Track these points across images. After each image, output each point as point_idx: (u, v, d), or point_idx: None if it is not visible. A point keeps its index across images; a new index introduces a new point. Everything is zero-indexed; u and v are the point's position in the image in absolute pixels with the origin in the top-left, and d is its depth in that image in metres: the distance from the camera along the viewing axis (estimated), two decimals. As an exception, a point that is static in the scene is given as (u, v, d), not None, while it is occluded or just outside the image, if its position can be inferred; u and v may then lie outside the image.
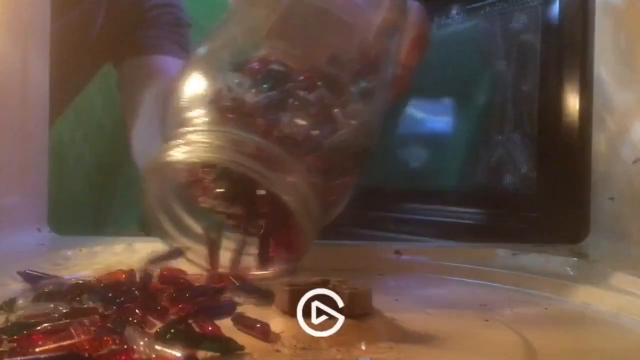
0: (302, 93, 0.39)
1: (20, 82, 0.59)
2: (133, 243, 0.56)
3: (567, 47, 0.64)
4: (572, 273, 0.49)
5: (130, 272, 0.42)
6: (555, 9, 0.66)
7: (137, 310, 0.33)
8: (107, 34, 0.87)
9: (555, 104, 0.65)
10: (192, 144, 0.37)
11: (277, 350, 0.29)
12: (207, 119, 0.39)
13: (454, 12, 0.80)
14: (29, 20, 0.61)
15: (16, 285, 0.42)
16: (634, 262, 0.48)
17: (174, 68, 0.87)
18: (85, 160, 1.11)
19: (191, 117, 0.39)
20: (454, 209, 0.78)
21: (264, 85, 0.39)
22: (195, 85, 0.41)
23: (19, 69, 0.59)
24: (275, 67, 0.40)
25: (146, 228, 0.40)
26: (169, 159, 0.37)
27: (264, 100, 0.39)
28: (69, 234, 0.62)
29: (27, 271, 0.43)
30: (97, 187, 1.15)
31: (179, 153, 0.37)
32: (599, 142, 0.57)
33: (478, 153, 0.78)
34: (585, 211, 0.58)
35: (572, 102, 0.63)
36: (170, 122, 0.41)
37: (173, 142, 0.38)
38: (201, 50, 0.45)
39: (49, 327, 0.30)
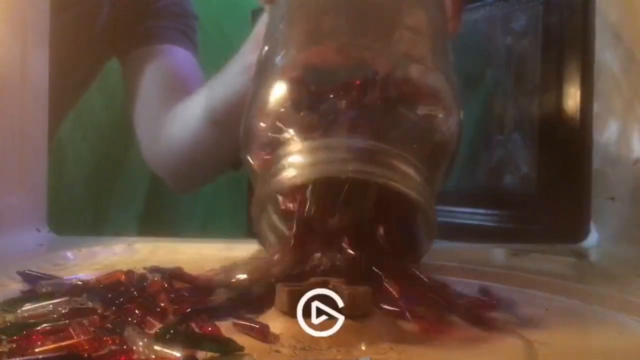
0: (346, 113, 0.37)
1: (20, 81, 0.59)
2: (133, 243, 0.56)
3: (568, 48, 0.64)
4: (572, 273, 0.49)
5: (129, 273, 0.42)
6: (556, 8, 0.66)
7: (136, 311, 0.33)
8: (111, 27, 0.86)
9: (555, 104, 0.65)
10: (300, 165, 0.35)
11: (277, 351, 0.29)
12: (294, 135, 0.37)
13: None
14: (28, 18, 0.61)
15: (16, 285, 0.42)
16: (634, 263, 0.48)
17: (181, 57, 0.87)
18: (84, 160, 1.11)
19: (282, 135, 0.37)
20: (454, 209, 0.78)
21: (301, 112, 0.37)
22: (276, 98, 0.39)
23: (18, 68, 0.59)
24: (303, 85, 0.38)
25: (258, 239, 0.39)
26: (287, 183, 0.35)
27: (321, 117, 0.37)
28: (68, 234, 0.63)
29: (26, 271, 0.43)
30: (96, 187, 1.15)
31: (293, 176, 0.35)
32: (600, 143, 0.57)
33: (478, 153, 0.78)
34: (585, 211, 0.58)
35: (573, 102, 0.63)
36: (255, 140, 0.39)
37: (280, 167, 0.36)
38: (278, 61, 0.41)
39: (49, 328, 0.30)
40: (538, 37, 0.68)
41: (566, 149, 0.64)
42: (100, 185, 1.15)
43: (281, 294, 0.33)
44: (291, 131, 0.37)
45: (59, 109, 0.85)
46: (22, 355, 0.26)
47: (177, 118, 0.79)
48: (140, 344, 0.27)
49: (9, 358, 0.26)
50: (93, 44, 0.86)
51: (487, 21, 0.76)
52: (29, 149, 0.61)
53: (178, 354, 0.26)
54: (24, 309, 0.34)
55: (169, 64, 0.86)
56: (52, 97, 0.65)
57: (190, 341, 0.28)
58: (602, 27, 0.57)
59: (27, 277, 0.43)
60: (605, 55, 0.57)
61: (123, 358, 0.26)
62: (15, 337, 0.28)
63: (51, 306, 0.34)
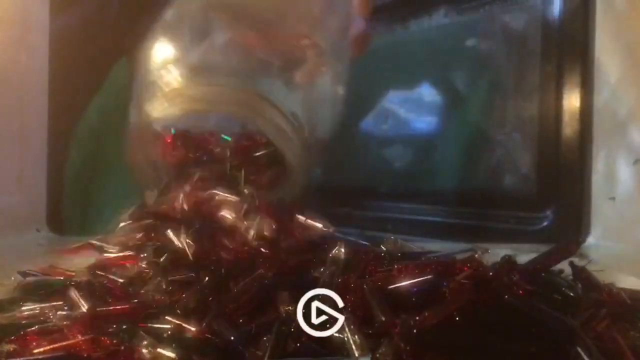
0: None
1: (19, 82, 0.59)
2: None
3: (568, 47, 0.63)
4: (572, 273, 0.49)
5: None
6: (556, 8, 0.66)
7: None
8: (121, 22, 0.86)
9: (555, 104, 0.65)
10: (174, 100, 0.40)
11: None
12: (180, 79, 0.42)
13: (453, 11, 0.80)
14: (28, 18, 0.61)
15: (16, 285, 0.42)
16: (634, 263, 0.48)
17: None
18: (77, 161, 1.10)
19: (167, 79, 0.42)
20: (454, 209, 0.78)
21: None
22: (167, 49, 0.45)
23: (18, 69, 0.59)
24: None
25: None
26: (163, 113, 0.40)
27: None
28: (68, 234, 0.63)
29: (26, 271, 0.43)
30: (90, 187, 1.14)
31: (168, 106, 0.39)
32: (599, 142, 0.57)
33: (478, 153, 0.77)
34: (585, 211, 0.58)
35: (573, 102, 0.63)
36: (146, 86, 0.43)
37: (158, 101, 0.40)
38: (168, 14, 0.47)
39: (42, 328, 0.29)
40: (538, 37, 0.68)
41: (566, 149, 0.63)
42: (93, 185, 1.14)
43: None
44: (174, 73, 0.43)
45: (70, 112, 0.85)
46: (20, 356, 0.26)
47: None
48: (144, 342, 0.27)
49: (8, 358, 0.26)
50: (103, 41, 0.86)
51: (487, 21, 0.76)
52: (29, 149, 0.61)
53: (176, 356, 0.26)
54: (22, 309, 0.34)
55: None
56: (62, 100, 0.65)
57: (189, 344, 0.28)
58: (602, 27, 0.57)
59: (26, 277, 0.43)
60: (605, 55, 0.56)
61: (122, 359, 0.26)
62: (12, 337, 0.28)
63: (38, 308, 0.34)
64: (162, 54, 0.44)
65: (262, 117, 0.41)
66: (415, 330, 0.28)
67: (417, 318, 0.28)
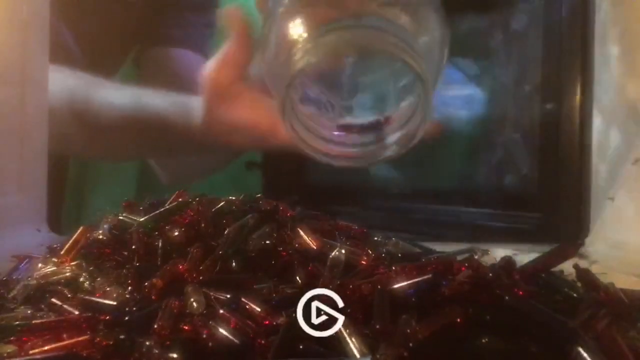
0: None
1: (19, 80, 0.59)
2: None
3: (568, 48, 0.63)
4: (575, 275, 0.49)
5: None
6: (557, 8, 0.66)
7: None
8: (138, 18, 0.87)
9: (555, 104, 0.65)
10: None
11: None
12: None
13: (455, 13, 0.80)
14: (29, 18, 0.61)
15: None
16: (634, 263, 0.48)
17: (191, 62, 0.89)
18: (77, 162, 1.10)
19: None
20: (454, 209, 0.78)
21: None
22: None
23: (18, 68, 0.59)
24: None
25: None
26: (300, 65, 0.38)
27: None
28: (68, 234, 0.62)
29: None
30: (89, 189, 1.14)
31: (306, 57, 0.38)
32: (599, 142, 0.57)
33: (478, 153, 0.78)
34: (585, 211, 0.58)
35: (573, 102, 0.63)
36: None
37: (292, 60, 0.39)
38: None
39: (39, 328, 0.29)
40: (538, 37, 0.68)
41: (566, 149, 0.63)
42: (93, 185, 1.14)
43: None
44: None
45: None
46: (18, 357, 0.26)
47: None
48: (147, 343, 0.27)
49: (8, 358, 0.26)
50: (108, 43, 0.87)
51: (487, 21, 0.76)
52: (29, 149, 0.61)
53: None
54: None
55: (179, 68, 0.88)
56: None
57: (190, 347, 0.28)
58: (602, 27, 0.57)
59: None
60: (605, 55, 0.56)
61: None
62: (12, 338, 0.28)
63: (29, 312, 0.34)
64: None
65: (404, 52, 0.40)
66: (410, 343, 0.28)
67: (409, 331, 0.28)
